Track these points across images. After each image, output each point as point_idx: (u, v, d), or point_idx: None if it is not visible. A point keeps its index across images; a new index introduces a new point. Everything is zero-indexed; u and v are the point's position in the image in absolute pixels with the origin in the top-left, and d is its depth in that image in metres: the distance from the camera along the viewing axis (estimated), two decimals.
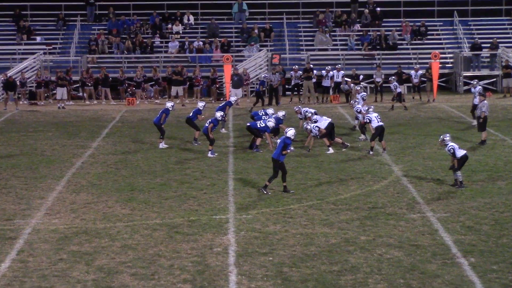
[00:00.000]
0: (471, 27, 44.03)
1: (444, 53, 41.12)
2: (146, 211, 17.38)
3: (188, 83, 37.32)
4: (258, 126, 24.11)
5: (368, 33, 42.89)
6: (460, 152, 19.10)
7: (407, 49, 42.52)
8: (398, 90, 32.87)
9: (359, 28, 43.77)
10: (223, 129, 27.96)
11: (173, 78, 36.65)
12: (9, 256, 14.29)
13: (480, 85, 31.11)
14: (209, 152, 23.57)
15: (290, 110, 30.59)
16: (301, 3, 45.53)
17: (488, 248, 14.48)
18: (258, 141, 24.23)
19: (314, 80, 36.87)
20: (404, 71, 37.47)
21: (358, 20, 44.50)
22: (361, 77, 36.91)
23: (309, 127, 23.95)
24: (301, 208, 17.43)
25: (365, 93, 29.80)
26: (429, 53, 38.34)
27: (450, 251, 14.33)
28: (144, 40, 41.80)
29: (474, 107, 27.65)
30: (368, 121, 23.81)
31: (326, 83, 37.10)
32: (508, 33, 43.66)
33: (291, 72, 37.44)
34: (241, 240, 15.11)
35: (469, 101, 34.74)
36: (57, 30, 43.87)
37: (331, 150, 23.71)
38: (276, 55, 39.66)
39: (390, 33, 42.47)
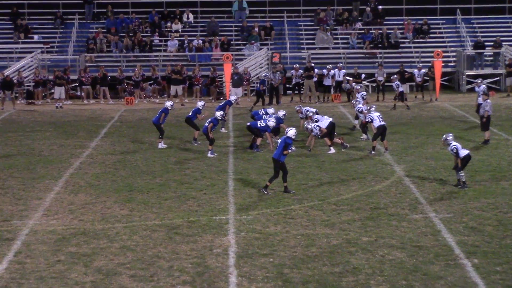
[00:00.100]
0: (474, 25, 44.03)
1: (447, 52, 41.12)
2: (145, 211, 17.38)
3: (187, 82, 37.31)
4: (259, 125, 24.11)
5: (370, 31, 42.88)
6: (463, 152, 19.10)
7: (410, 47, 42.50)
8: (400, 89, 32.88)
9: (361, 27, 43.76)
10: (223, 128, 27.96)
11: (172, 77, 36.63)
12: (6, 258, 14.28)
13: (484, 84, 31.12)
14: (209, 152, 23.57)
15: (291, 109, 30.61)
16: (302, 1, 45.53)
17: (491, 249, 14.47)
18: (259, 140, 24.23)
19: (315, 79, 36.85)
20: (407, 70, 37.46)
21: (359, 18, 44.48)
22: (363, 76, 36.90)
23: (310, 126, 23.95)
24: (302, 209, 17.43)
25: (365, 93, 29.81)
26: (432, 52, 38.31)
27: (453, 252, 14.33)
28: (143, 38, 41.79)
29: (479, 106, 27.62)
30: (370, 120, 23.82)
31: (327, 82, 37.09)
32: (511, 31, 43.62)
33: (292, 71, 37.44)
34: (241, 241, 15.11)
35: (472, 100, 34.77)
36: (55, 28, 43.85)
37: (332, 150, 23.71)
38: (276, 53, 39.65)
39: (392, 31, 42.47)
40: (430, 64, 37.60)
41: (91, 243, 15.12)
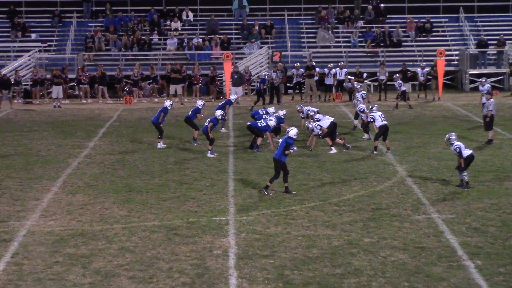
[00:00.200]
0: (477, 24, 44.02)
1: (450, 50, 41.10)
2: (144, 212, 17.38)
3: (187, 81, 37.29)
4: (259, 125, 24.11)
5: (372, 29, 42.86)
6: (466, 152, 19.10)
7: (412, 46, 42.50)
8: (403, 88, 32.87)
9: (363, 25, 43.76)
10: (223, 128, 27.96)
11: (171, 76, 36.62)
12: (3, 259, 14.28)
13: (488, 83, 31.12)
14: (209, 152, 23.57)
15: (292, 109, 30.62)
16: None
17: (495, 250, 14.47)
18: (259, 140, 24.23)
19: (316, 78, 36.84)
20: (409, 68, 37.46)
21: (361, 16, 44.48)
22: (365, 75, 36.88)
23: (311, 126, 23.94)
24: (303, 210, 17.42)
25: (364, 92, 29.84)
26: (434, 50, 38.32)
27: (456, 254, 14.33)
28: (142, 37, 41.79)
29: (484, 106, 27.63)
30: (372, 120, 23.80)
31: (328, 81, 37.10)
32: None
33: (293, 70, 37.43)
34: (242, 242, 15.11)
35: (475, 99, 34.79)
36: (53, 27, 43.87)
37: (333, 150, 23.71)
38: (277, 52, 39.66)
39: (394, 29, 42.47)
40: (432, 63, 37.59)
41: (89, 244, 15.12)
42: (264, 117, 24.91)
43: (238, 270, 13.59)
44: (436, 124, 29.08)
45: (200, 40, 41.42)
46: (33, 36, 43.02)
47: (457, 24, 44.16)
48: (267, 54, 40.05)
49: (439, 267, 13.62)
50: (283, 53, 40.25)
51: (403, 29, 43.05)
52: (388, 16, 44.64)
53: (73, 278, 13.31)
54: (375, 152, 23.46)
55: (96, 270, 13.64)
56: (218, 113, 24.44)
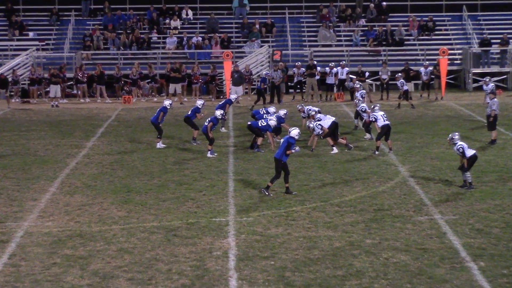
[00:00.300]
0: (480, 22, 44.03)
1: (453, 49, 41.12)
2: (143, 213, 17.38)
3: (186, 81, 37.28)
4: (260, 125, 24.11)
5: (374, 28, 42.87)
6: (470, 152, 19.10)
7: (414, 45, 42.51)
8: (405, 87, 32.86)
9: (364, 23, 43.77)
10: (223, 128, 27.97)
11: (171, 75, 36.62)
12: (0, 260, 14.28)
13: (492, 83, 31.11)
14: (209, 152, 23.58)
15: (293, 108, 30.63)
16: None
17: (498, 252, 14.47)
18: (259, 140, 24.23)
19: (317, 77, 36.84)
20: (412, 67, 37.45)
21: (363, 14, 44.51)
22: (367, 74, 36.87)
23: (311, 125, 23.94)
24: (304, 210, 17.43)
25: (364, 91, 29.84)
26: (437, 49, 38.29)
27: (459, 255, 14.33)
28: (141, 35, 41.80)
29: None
30: (373, 119, 23.80)
31: (330, 80, 37.09)
32: None
33: (294, 69, 37.43)
34: (242, 244, 15.11)
35: (478, 99, 34.81)
36: (51, 25, 43.88)
37: (335, 150, 23.71)
38: (277, 51, 39.66)
39: (396, 28, 42.46)
40: (435, 62, 37.60)
41: (88, 245, 15.12)
42: (264, 117, 24.91)
43: (238, 272, 13.59)
44: (439, 124, 29.08)
45: (200, 38, 41.42)
46: (31, 34, 43.05)
47: (460, 22, 44.17)
48: (267, 53, 40.06)
49: (441, 269, 13.62)
50: (284, 52, 40.27)
51: (406, 28, 43.05)
52: (390, 14, 44.65)
53: (71, 279, 13.31)
54: (377, 152, 23.47)
55: (95, 272, 13.64)
56: (218, 113, 24.44)
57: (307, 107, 26.34)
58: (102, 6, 44.63)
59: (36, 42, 41.74)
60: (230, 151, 24.35)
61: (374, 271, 13.52)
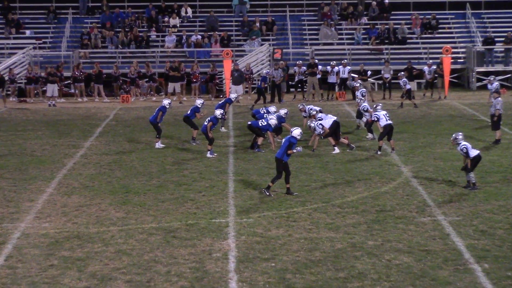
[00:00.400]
0: (484, 20, 44.02)
1: (456, 48, 41.10)
2: (141, 214, 17.38)
3: (185, 79, 37.24)
4: (260, 124, 24.11)
5: (376, 26, 42.88)
6: (473, 152, 19.09)
7: (417, 43, 42.51)
8: (408, 86, 32.86)
9: (366, 21, 43.78)
10: (223, 127, 27.97)
11: (170, 74, 36.61)
12: None
13: (497, 82, 31.10)
14: (208, 152, 23.57)
15: (294, 107, 30.61)
16: None
17: (502, 254, 14.46)
18: (260, 140, 24.23)
19: (319, 76, 36.85)
20: (415, 66, 37.45)
21: (365, 12, 44.51)
22: (369, 73, 36.85)
23: (312, 125, 23.95)
24: (305, 211, 17.42)
25: (364, 89, 29.84)
26: (440, 48, 38.32)
27: (463, 257, 14.32)
28: (140, 34, 41.80)
29: None
30: (376, 119, 23.80)
31: (331, 79, 37.09)
32: None
33: (295, 67, 37.43)
34: (242, 245, 15.10)
35: (482, 98, 34.82)
36: (48, 23, 43.89)
37: (336, 150, 23.71)
38: (278, 49, 39.66)
39: (399, 26, 42.48)
40: (438, 60, 37.60)
41: (85, 247, 15.12)
42: (265, 116, 24.90)
43: (238, 274, 13.59)
44: (442, 124, 29.07)
45: (199, 37, 41.43)
46: (28, 32, 43.04)
47: (463, 20, 44.17)
48: (268, 52, 40.06)
49: (445, 271, 13.62)
50: (284, 50, 40.26)
51: (408, 26, 43.05)
52: (392, 12, 44.66)
53: (68, 282, 13.31)
54: (379, 152, 23.47)
55: (92, 274, 13.64)
56: (218, 112, 24.44)
57: (309, 106, 26.33)
58: (100, 4, 44.65)
59: (33, 41, 41.73)
60: (230, 151, 24.34)
61: (376, 273, 13.51)
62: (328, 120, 24.08)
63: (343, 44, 42.41)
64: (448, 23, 44.06)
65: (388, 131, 23.44)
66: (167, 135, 26.60)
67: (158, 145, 24.96)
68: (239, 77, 36.37)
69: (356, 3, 44.88)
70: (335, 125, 24.02)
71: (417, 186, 19.60)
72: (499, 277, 13.32)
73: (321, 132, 23.83)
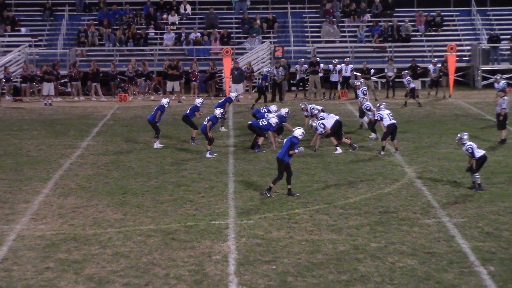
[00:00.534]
0: (490, 17, 44.01)
1: (461, 46, 41.09)
2: (139, 216, 17.38)
3: (183, 78, 37.15)
4: (261, 124, 24.11)
5: (379, 23, 42.86)
6: (479, 152, 19.09)
7: (421, 41, 42.50)
8: (412, 85, 32.84)
9: (369, 19, 43.76)
10: (223, 127, 27.97)
11: (169, 73, 36.60)
12: None
13: (503, 80, 31.09)
14: (208, 152, 23.58)
15: (295, 107, 30.62)
16: None
17: (508, 256, 14.47)
18: (261, 140, 24.23)
19: (320, 74, 36.83)
20: (419, 64, 37.43)
21: (368, 9, 44.50)
22: (372, 71, 36.83)
23: (314, 124, 23.95)
24: (306, 213, 17.42)
25: (365, 88, 29.84)
26: (445, 46, 38.30)
27: (468, 259, 14.33)
28: (138, 31, 41.79)
29: None
30: (379, 118, 23.80)
31: (333, 77, 37.07)
32: None
33: (296, 66, 37.41)
34: (242, 247, 15.11)
35: (487, 97, 34.81)
36: (44, 20, 43.87)
37: (339, 150, 23.71)
38: (279, 47, 39.65)
39: (403, 23, 42.46)
40: (443, 58, 37.59)
41: (82, 249, 15.12)
42: (266, 116, 24.90)
43: (238, 277, 13.59)
44: (446, 123, 29.07)
45: (199, 34, 41.42)
46: (23, 30, 43.02)
47: (468, 18, 44.16)
48: (269, 50, 40.05)
49: (450, 274, 13.62)
50: (285, 48, 40.26)
51: (412, 23, 43.04)
52: (396, 9, 44.65)
53: (65, 284, 13.32)
54: (382, 153, 23.47)
55: (89, 277, 13.64)
56: (218, 112, 24.44)
57: (310, 105, 26.31)
58: (97, 1, 44.65)
59: (29, 38, 41.73)
60: (230, 151, 24.35)
61: (379, 276, 13.52)
62: (330, 120, 24.08)
63: (345, 41, 42.40)
64: (453, 20, 44.05)
65: (391, 130, 23.44)
66: (165, 135, 26.61)
67: (157, 145, 24.97)
68: (239, 76, 36.35)
69: (359, 0, 44.89)
70: (337, 124, 24.02)
71: (421, 187, 19.60)
72: (504, 280, 13.32)
73: (323, 132, 23.83)
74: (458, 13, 44.49)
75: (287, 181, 18.81)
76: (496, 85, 30.95)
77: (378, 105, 25.00)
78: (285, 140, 19.08)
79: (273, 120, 23.87)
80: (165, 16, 43.68)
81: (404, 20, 42.77)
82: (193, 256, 14.63)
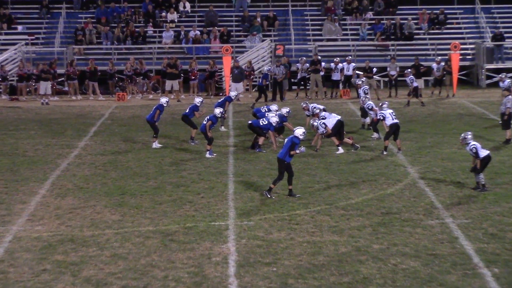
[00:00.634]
0: (494, 15, 44.02)
1: (465, 44, 41.10)
2: (138, 217, 17.39)
3: (182, 77, 37.10)
4: (261, 124, 24.12)
5: (382, 21, 42.88)
6: (483, 152, 19.09)
7: (425, 39, 42.50)
8: (415, 84, 32.85)
9: (372, 16, 43.78)
10: (223, 127, 27.97)
11: (167, 71, 36.61)
12: None
13: (508, 79, 31.07)
14: (207, 152, 23.58)
15: (296, 106, 30.64)
16: None
17: None
18: (261, 140, 24.24)
19: (322, 73, 36.83)
20: (422, 63, 37.43)
21: (370, 7, 44.52)
22: (374, 70, 36.83)
23: (315, 123, 23.97)
24: (308, 214, 17.43)
25: (367, 87, 29.84)
26: (449, 44, 38.29)
27: (472, 261, 14.33)
28: (136, 29, 41.80)
29: None
30: (382, 118, 23.80)
31: (335, 76, 37.09)
32: None
33: (297, 64, 37.42)
34: (242, 249, 15.11)
35: (492, 96, 34.82)
36: (41, 18, 43.89)
37: (340, 150, 23.72)
38: (280, 45, 39.65)
39: (405, 21, 42.47)
40: (446, 57, 37.60)
41: (80, 251, 15.13)
42: (266, 115, 24.90)
43: (238, 279, 13.60)
44: (450, 123, 29.07)
45: (198, 32, 41.43)
46: (20, 28, 43.05)
47: (472, 15, 44.17)
48: (269, 48, 40.06)
49: (453, 276, 13.63)
50: (286, 46, 40.24)
51: (415, 21, 43.04)
52: (399, 7, 44.66)
53: (62, 287, 13.33)
54: (385, 153, 23.47)
55: (87, 279, 13.65)
56: (217, 111, 24.43)
57: (312, 105, 26.32)
58: None
59: (25, 36, 41.75)
60: (230, 151, 24.35)
61: (382, 278, 13.52)
62: (332, 120, 24.08)
63: (347, 40, 42.42)
64: (457, 18, 44.06)
65: (394, 130, 23.45)
66: (164, 134, 26.61)
67: (155, 145, 24.97)
68: (239, 74, 36.36)
69: None
70: (339, 124, 24.03)
71: (424, 188, 19.60)
72: (509, 282, 13.33)
73: (324, 132, 23.84)
74: (462, 11, 44.50)
75: (288, 181, 18.82)
76: (501, 84, 30.92)
77: (380, 104, 25.02)
78: (286, 140, 19.08)
79: (274, 119, 23.87)
80: (164, 13, 43.69)
81: (407, 18, 42.78)
82: (193, 258, 14.63)
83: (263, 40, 41.21)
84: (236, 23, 43.83)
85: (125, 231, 16.31)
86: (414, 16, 43.38)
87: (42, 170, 21.99)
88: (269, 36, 42.24)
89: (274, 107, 26.21)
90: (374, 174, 21.16)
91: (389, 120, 23.52)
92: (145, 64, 37.77)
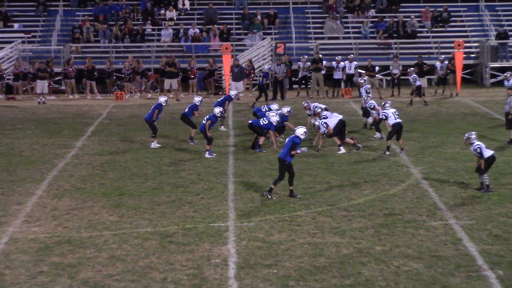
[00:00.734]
0: (498, 13, 44.02)
1: (469, 42, 41.10)
2: (136, 218, 17.39)
3: (180, 75, 37.07)
4: (261, 123, 24.12)
5: (384, 19, 42.89)
6: (487, 152, 19.10)
7: (428, 37, 42.51)
8: (418, 83, 32.84)
9: (374, 14, 43.79)
10: (222, 126, 27.98)
11: (166, 70, 36.61)
12: None
13: None
14: (207, 152, 23.59)
15: (297, 105, 30.65)
16: None
17: None
18: (261, 140, 24.24)
19: (323, 72, 36.82)
20: (425, 61, 37.43)
21: (372, 5, 44.53)
22: (377, 68, 36.82)
23: (317, 123, 23.97)
24: (309, 215, 17.43)
25: (369, 86, 29.84)
26: (452, 42, 38.30)
27: (476, 263, 14.33)
28: (134, 27, 41.81)
29: None
30: (384, 117, 23.80)
31: (337, 75, 37.08)
32: None
33: (298, 63, 37.43)
34: (242, 251, 15.12)
35: (496, 95, 34.82)
36: (37, 16, 43.89)
37: (342, 150, 23.72)
38: (281, 44, 39.65)
39: (408, 19, 42.48)
40: (450, 55, 37.60)
41: (77, 252, 15.13)
42: (267, 115, 24.90)
43: (238, 281, 13.60)
44: (454, 122, 29.08)
45: (198, 30, 41.44)
46: (16, 26, 43.04)
47: (476, 13, 44.17)
48: (270, 46, 40.07)
49: (457, 278, 13.63)
50: (287, 44, 40.27)
51: (418, 19, 43.05)
52: (401, 4, 44.68)
53: None
54: (387, 153, 23.48)
55: (84, 281, 13.66)
56: (217, 110, 24.43)
57: (313, 104, 26.30)
58: None
59: (22, 34, 41.76)
60: (230, 152, 24.36)
61: (384, 280, 13.52)
62: (333, 119, 24.09)
63: (349, 38, 42.42)
64: (460, 16, 44.06)
65: (397, 130, 23.45)
66: (163, 134, 26.62)
67: (154, 144, 24.98)
68: (239, 73, 36.37)
69: None
70: (341, 124, 24.04)
71: (428, 188, 19.61)
72: None
73: (325, 132, 23.85)
74: (466, 9, 44.50)
75: (289, 182, 18.83)
76: (506, 83, 30.95)
77: (383, 103, 25.00)
78: (286, 139, 19.08)
79: (274, 118, 23.87)
80: (162, 11, 43.71)
81: (410, 16, 42.79)
82: (192, 260, 14.64)
83: (263, 38, 41.21)
84: (236, 21, 43.85)
85: (123, 233, 16.31)
86: (417, 14, 43.41)
87: (38, 171, 22.00)
88: (270, 34, 42.25)
89: (274, 106, 26.22)
90: (377, 174, 21.17)
91: (392, 120, 23.52)
92: (143, 63, 37.74)
